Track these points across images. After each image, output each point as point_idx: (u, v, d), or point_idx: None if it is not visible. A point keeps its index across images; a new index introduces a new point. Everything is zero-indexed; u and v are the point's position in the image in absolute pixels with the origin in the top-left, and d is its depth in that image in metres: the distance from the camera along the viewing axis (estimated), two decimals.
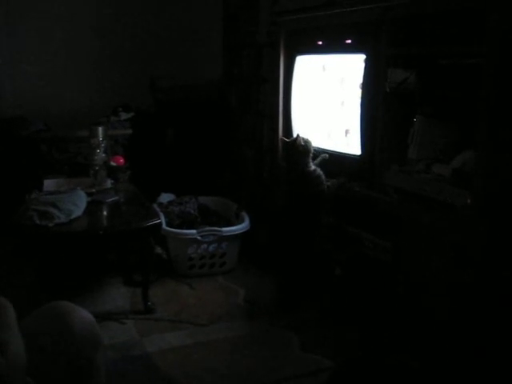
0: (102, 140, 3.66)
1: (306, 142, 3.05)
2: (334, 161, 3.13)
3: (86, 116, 4.37)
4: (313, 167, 3.04)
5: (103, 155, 3.66)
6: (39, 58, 4.59)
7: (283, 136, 3.34)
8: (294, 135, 3.20)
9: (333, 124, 3.22)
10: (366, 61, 2.87)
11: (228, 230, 3.71)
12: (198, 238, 3.63)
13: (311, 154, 3.06)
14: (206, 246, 3.66)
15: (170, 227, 3.69)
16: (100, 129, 3.68)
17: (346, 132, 3.09)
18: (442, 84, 2.54)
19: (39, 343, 1.54)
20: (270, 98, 4.08)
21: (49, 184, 3.60)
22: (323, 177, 3.03)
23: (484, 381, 2.22)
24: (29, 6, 4.50)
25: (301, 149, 3.03)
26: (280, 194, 3.61)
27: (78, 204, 3.13)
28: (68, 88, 4.70)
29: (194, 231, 3.65)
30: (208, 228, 3.69)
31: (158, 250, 3.66)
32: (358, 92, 2.93)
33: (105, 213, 3.30)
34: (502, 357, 2.20)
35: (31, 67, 4.57)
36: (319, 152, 3.15)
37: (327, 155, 3.11)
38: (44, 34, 4.60)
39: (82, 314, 1.67)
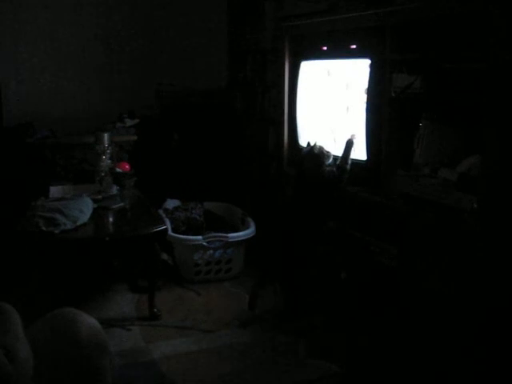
0: (108, 146, 3.66)
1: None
2: None
3: (91, 122, 4.38)
4: (328, 169, 3.02)
5: (109, 162, 3.66)
6: (45, 66, 4.61)
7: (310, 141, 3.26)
8: (299, 139, 3.19)
9: (338, 129, 3.21)
10: (371, 66, 2.87)
11: (234, 235, 3.71)
12: (204, 243, 3.63)
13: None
14: (211, 251, 3.66)
15: (176, 233, 3.69)
16: (105, 135, 3.69)
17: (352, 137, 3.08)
18: (447, 89, 2.53)
19: (46, 349, 1.54)
20: (275, 103, 4.08)
21: (55, 190, 3.61)
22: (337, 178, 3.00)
23: None
24: (35, 13, 4.52)
25: (325, 152, 3.02)
26: (286, 199, 3.60)
27: (83, 210, 3.13)
28: (73, 95, 4.71)
29: (199, 237, 3.65)
30: (214, 234, 3.69)
31: (164, 256, 3.66)
32: (363, 97, 2.93)
33: (111, 219, 3.30)
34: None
35: (37, 75, 4.59)
36: None
37: (355, 135, 3.01)
38: (49, 41, 4.61)
39: (89, 321, 1.67)
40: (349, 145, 2.96)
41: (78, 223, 3.03)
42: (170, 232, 3.54)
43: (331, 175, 2.99)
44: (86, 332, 1.61)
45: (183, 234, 3.74)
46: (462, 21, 2.31)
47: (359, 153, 3.01)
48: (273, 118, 4.18)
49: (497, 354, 2.21)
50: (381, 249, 2.80)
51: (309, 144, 3.08)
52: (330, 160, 3.02)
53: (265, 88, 4.38)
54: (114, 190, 3.62)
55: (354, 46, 3.05)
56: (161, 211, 3.92)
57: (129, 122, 4.61)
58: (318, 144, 3.05)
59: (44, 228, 2.91)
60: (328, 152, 3.02)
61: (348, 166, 2.96)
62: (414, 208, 2.56)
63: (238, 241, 3.72)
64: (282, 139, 3.87)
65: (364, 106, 2.92)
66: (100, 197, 3.50)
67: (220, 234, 3.69)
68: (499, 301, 2.21)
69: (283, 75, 3.79)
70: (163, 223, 3.26)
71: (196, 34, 4.98)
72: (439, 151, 2.64)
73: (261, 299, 3.33)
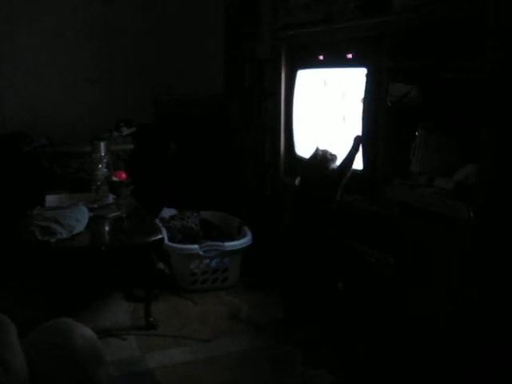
0: (104, 155, 3.66)
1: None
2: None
3: (88, 131, 4.38)
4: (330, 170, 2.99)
5: (105, 170, 3.66)
6: (41, 74, 4.61)
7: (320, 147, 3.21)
8: (296, 148, 3.17)
9: (335, 138, 3.21)
10: (368, 75, 2.87)
11: (230, 244, 3.70)
12: (201, 253, 3.62)
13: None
14: (208, 261, 3.66)
15: (172, 242, 3.69)
16: (102, 144, 3.69)
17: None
18: (443, 98, 2.54)
19: (41, 360, 1.53)
20: (271, 112, 4.09)
21: (51, 199, 3.60)
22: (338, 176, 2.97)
23: None
24: (30, 21, 4.53)
25: (329, 156, 2.99)
26: (284, 208, 3.60)
27: (80, 219, 3.13)
28: (70, 103, 4.71)
29: (196, 246, 3.64)
30: (210, 243, 3.68)
31: (161, 265, 3.65)
32: (360, 106, 2.93)
33: (107, 228, 3.29)
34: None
35: (33, 83, 4.59)
36: None
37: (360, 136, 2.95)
38: (45, 50, 4.61)
39: (84, 332, 1.66)
40: (357, 141, 2.91)
41: (74, 232, 3.02)
42: (166, 241, 3.53)
43: (331, 176, 2.95)
44: (82, 343, 1.61)
45: (179, 243, 3.73)
46: (459, 30, 2.32)
47: (356, 162, 3.01)
48: (269, 126, 4.18)
49: (495, 364, 2.21)
50: (378, 258, 2.79)
51: (317, 149, 3.05)
52: (336, 163, 2.98)
53: (261, 97, 4.39)
54: (111, 198, 3.62)
55: (350, 55, 3.06)
56: (157, 220, 3.92)
57: (125, 131, 4.61)
58: (322, 148, 3.03)
59: (40, 237, 2.91)
60: (332, 155, 2.99)
61: (351, 165, 2.92)
62: (411, 217, 2.56)
63: (235, 250, 3.71)
64: (279, 148, 3.87)
65: (360, 115, 2.93)
66: (96, 206, 3.49)
67: (216, 243, 3.69)
68: (497, 310, 2.20)
69: (280, 84, 3.80)
70: (160, 232, 3.26)
71: (193, 42, 4.99)
72: (436, 160, 2.65)
73: (259, 308, 3.34)
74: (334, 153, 3.00)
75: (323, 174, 2.96)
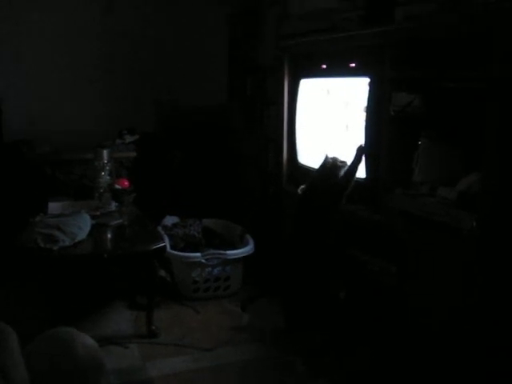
0: (107, 163, 3.67)
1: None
2: None
3: (90, 139, 4.38)
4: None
5: (108, 178, 3.67)
6: (45, 82, 4.62)
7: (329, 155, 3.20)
8: (298, 157, 3.17)
9: (338, 147, 3.22)
10: (370, 84, 2.88)
11: (233, 253, 3.70)
12: (203, 261, 3.61)
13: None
14: (210, 269, 3.65)
15: (175, 250, 3.68)
16: (105, 151, 3.69)
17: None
18: (446, 107, 2.54)
19: (42, 369, 1.53)
20: (274, 120, 4.09)
21: (53, 207, 3.60)
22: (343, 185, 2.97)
23: None
24: (35, 29, 4.55)
25: (339, 163, 2.98)
26: (286, 216, 3.59)
27: (82, 227, 3.13)
28: (73, 111, 4.73)
29: (198, 254, 3.64)
30: (212, 251, 3.68)
31: (162, 273, 3.65)
32: (363, 115, 2.93)
33: (109, 236, 3.29)
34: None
35: (37, 90, 4.60)
36: None
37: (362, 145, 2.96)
38: (49, 58, 4.63)
39: (85, 341, 1.66)
40: (360, 152, 2.92)
41: (77, 240, 3.02)
42: (168, 249, 3.52)
43: (339, 184, 2.94)
44: (83, 351, 1.61)
45: (182, 251, 3.73)
46: (461, 39, 2.32)
47: (358, 171, 3.01)
48: (272, 135, 4.19)
49: (498, 373, 2.20)
50: (380, 267, 2.79)
51: (326, 157, 3.04)
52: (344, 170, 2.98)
53: (264, 105, 4.39)
54: (113, 206, 3.62)
55: (353, 65, 3.06)
56: (159, 228, 3.92)
57: (128, 139, 4.63)
58: (331, 156, 3.01)
59: (42, 244, 2.91)
60: (342, 162, 2.98)
61: (355, 175, 2.92)
62: (413, 226, 2.56)
63: (237, 258, 3.70)
64: (282, 156, 3.87)
65: (363, 124, 2.93)
66: (98, 213, 3.49)
67: (219, 252, 3.68)
68: (500, 320, 2.20)
69: (283, 93, 3.80)
70: (162, 240, 3.25)
71: (196, 50, 5.01)
72: (438, 169, 2.64)
73: (261, 316, 3.33)
74: (343, 160, 2.99)
75: (332, 181, 2.96)
